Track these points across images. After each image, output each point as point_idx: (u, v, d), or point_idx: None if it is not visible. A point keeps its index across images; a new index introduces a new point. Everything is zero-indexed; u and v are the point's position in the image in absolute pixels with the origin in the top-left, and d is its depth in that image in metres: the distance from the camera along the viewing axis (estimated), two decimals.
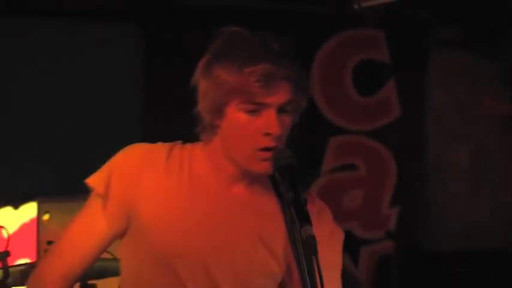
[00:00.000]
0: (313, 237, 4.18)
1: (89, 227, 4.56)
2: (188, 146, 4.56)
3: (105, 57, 8.50)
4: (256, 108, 4.32)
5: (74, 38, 8.77)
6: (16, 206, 8.49)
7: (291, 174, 4.36)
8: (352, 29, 9.46)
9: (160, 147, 4.56)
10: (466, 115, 9.44)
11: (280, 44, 4.46)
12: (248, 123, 4.33)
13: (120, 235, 4.55)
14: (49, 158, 8.43)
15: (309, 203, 4.46)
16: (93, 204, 4.55)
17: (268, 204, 4.60)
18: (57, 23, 8.95)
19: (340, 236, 4.72)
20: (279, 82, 4.39)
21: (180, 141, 4.60)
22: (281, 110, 4.36)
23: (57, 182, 8.28)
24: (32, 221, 8.43)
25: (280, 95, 4.39)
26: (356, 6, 8.93)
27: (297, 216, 4.27)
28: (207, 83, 4.39)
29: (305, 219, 4.22)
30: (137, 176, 4.50)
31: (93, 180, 4.52)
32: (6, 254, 6.62)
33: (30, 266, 7.07)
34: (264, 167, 4.35)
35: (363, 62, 9.46)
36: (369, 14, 9.15)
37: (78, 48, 8.59)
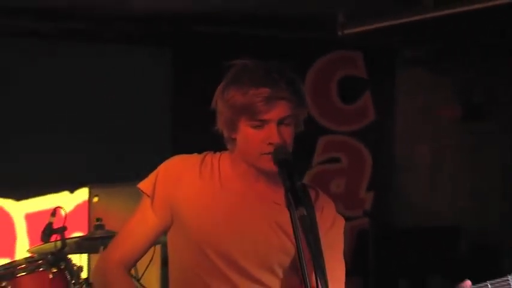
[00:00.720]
0: (305, 216, 4.29)
1: (142, 221, 4.73)
2: (217, 154, 4.69)
3: (141, 75, 8.57)
4: (260, 124, 4.47)
5: (118, 59, 8.77)
6: (72, 191, 8.61)
7: (288, 167, 4.46)
8: (337, 51, 9.58)
9: (195, 156, 4.73)
10: (427, 119, 9.50)
11: (279, 71, 4.58)
12: (254, 136, 4.48)
13: (167, 227, 4.70)
14: (98, 154, 8.52)
15: (314, 198, 4.77)
16: (144, 203, 4.71)
17: (281, 197, 4.52)
18: (102, 47, 8.97)
19: (341, 223, 4.83)
20: (277, 102, 4.51)
21: (211, 151, 4.72)
22: (280, 123, 4.47)
23: (104, 172, 8.37)
24: (84, 202, 8.54)
25: (279, 112, 4.49)
26: (340, 34, 8.96)
27: (293, 200, 4.36)
28: (222, 104, 4.57)
29: (300, 202, 4.32)
30: (177, 180, 4.67)
31: (143, 185, 4.69)
32: (64, 228, 6.75)
33: (82, 238, 7.21)
34: (269, 165, 4.46)
35: (345, 77, 9.62)
36: (349, 40, 9.11)
37: (121, 67, 8.61)
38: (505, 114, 8.99)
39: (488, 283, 4.58)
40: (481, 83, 9.18)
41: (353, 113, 9.67)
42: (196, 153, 4.77)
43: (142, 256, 4.89)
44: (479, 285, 4.56)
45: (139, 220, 4.76)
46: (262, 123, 4.52)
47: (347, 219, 9.48)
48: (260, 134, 4.53)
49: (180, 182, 4.71)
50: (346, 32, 8.94)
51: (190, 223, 4.68)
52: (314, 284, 4.41)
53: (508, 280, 4.57)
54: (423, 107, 9.64)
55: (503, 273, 4.89)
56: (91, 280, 6.03)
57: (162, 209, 4.69)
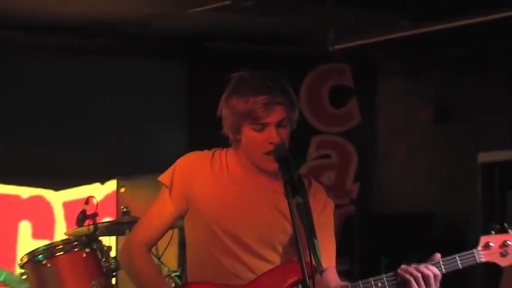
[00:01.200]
0: (301, 204, 4.41)
1: (162, 208, 4.82)
2: (224, 150, 4.79)
3: (161, 85, 8.68)
4: (261, 127, 4.57)
5: (141, 70, 8.85)
6: (102, 182, 8.68)
7: (287, 162, 4.52)
8: (328, 64, 9.63)
9: (206, 152, 4.81)
10: (404, 121, 9.57)
11: (273, 79, 4.67)
12: (257, 137, 4.59)
13: (183, 214, 4.78)
14: (125, 153, 8.60)
15: (307, 185, 4.83)
16: (164, 193, 4.80)
17: (279, 185, 4.66)
18: (127, 61, 9.03)
19: (331, 206, 4.90)
20: (274, 107, 4.61)
21: (219, 147, 4.82)
22: (278, 125, 4.56)
23: (129, 167, 8.45)
24: (112, 192, 8.62)
25: (276, 116, 4.59)
26: (330, 49, 8.96)
27: (290, 191, 4.45)
28: (227, 111, 4.68)
29: (296, 192, 4.44)
30: (191, 173, 4.76)
31: (163, 178, 4.77)
32: (96, 215, 6.86)
33: (111, 223, 7.34)
34: (271, 166, 4.56)
35: (335, 86, 9.67)
36: (338, 54, 9.01)
37: (144, 78, 8.71)
38: (467, 118, 8.98)
39: (456, 256, 4.64)
40: (449, 91, 9.19)
41: (341, 116, 9.71)
42: (206, 150, 4.86)
43: (161, 238, 4.96)
44: (449, 258, 4.63)
45: (159, 208, 4.85)
46: (263, 126, 4.60)
47: (336, 207, 9.49)
48: (262, 136, 4.61)
49: (194, 174, 4.79)
50: (335, 47, 8.95)
51: (204, 209, 4.76)
52: (308, 259, 4.41)
53: (473, 253, 4.61)
54: (401, 112, 9.69)
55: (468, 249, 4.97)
56: (118, 259, 6.03)
57: (179, 198, 4.77)
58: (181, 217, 4.87)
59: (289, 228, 4.75)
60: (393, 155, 9.71)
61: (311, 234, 4.58)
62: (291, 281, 4.76)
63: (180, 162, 4.87)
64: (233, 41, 9.09)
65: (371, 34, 8.84)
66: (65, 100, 8.71)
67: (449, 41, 8.40)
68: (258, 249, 4.83)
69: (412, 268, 4.64)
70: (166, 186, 4.81)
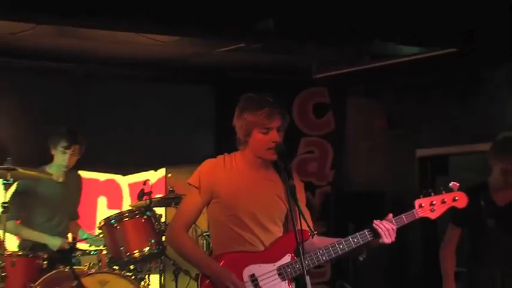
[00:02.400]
0: (294, 186, 4.57)
1: (193, 202, 4.85)
2: (231, 154, 4.87)
3: (196, 103, 8.69)
4: (266, 131, 4.66)
5: (181, 93, 8.91)
6: (156, 169, 8.65)
7: (284, 155, 4.69)
8: (312, 88, 9.52)
9: (219, 158, 4.90)
10: (365, 127, 9.54)
11: (271, 98, 4.77)
12: (263, 138, 4.69)
13: (206, 205, 4.83)
14: (171, 150, 8.61)
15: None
16: (193, 191, 4.83)
17: (275, 176, 4.83)
18: (168, 86, 9.05)
19: (302, 185, 4.96)
20: (274, 116, 4.71)
21: (228, 152, 4.90)
22: (278, 129, 4.68)
23: (175, 159, 8.47)
24: (162, 177, 8.62)
25: (277, 122, 4.70)
26: (314, 76, 9.13)
27: (287, 177, 4.64)
28: (239, 123, 4.80)
29: (290, 177, 4.60)
30: (212, 173, 4.82)
31: (191, 180, 4.82)
32: (151, 192, 6.98)
33: (161, 198, 7.40)
34: (273, 156, 4.68)
35: (317, 103, 9.57)
36: (319, 80, 9.23)
37: (184, 98, 8.70)
38: (409, 125, 8.99)
39: (402, 215, 4.76)
40: (396, 107, 9.18)
41: (321, 124, 9.56)
42: (220, 155, 4.92)
43: (194, 222, 4.99)
44: (397, 217, 4.75)
45: (190, 201, 4.89)
46: (267, 130, 4.69)
47: (317, 187, 9.76)
48: (267, 137, 4.70)
49: (214, 174, 4.82)
50: (317, 76, 9.15)
51: (225, 197, 4.80)
52: (298, 226, 4.50)
53: (413, 212, 4.80)
54: (363, 121, 9.58)
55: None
56: (165, 239, 6.09)
57: (205, 193, 4.81)
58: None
59: (284, 208, 4.81)
60: (357, 151, 9.60)
61: (299, 208, 4.58)
62: (296, 243, 4.61)
63: (203, 168, 4.89)
64: (247, 72, 8.98)
65: (342, 66, 8.88)
66: (129, 113, 8.73)
67: (397, 71, 8.37)
68: (265, 223, 4.81)
69: (382, 223, 4.72)
70: (195, 187, 4.81)
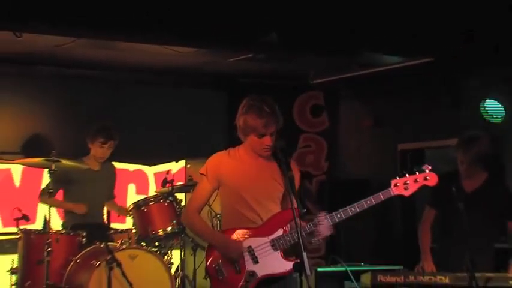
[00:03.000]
0: (293, 177, 4.58)
1: (204, 188, 4.86)
2: (236, 147, 4.87)
3: (211, 105, 8.66)
4: (261, 136, 4.69)
5: (195, 97, 8.87)
6: (177, 161, 8.66)
7: (285, 150, 4.69)
8: (309, 91, 9.45)
9: (224, 152, 4.90)
10: (354, 126, 9.45)
11: (269, 105, 4.72)
12: (258, 141, 4.71)
13: (216, 190, 4.85)
14: (190, 145, 8.56)
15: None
16: (203, 179, 4.85)
17: (272, 165, 4.81)
18: (184, 92, 8.98)
19: (299, 175, 4.89)
20: (271, 125, 4.67)
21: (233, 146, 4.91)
22: (271, 134, 4.66)
23: (193, 152, 8.36)
24: (182, 167, 8.66)
25: (271, 130, 4.67)
26: (311, 82, 9.14)
27: (287, 168, 4.65)
28: (240, 123, 4.77)
29: (290, 169, 4.62)
30: (218, 164, 4.83)
31: (202, 169, 4.84)
32: (173, 180, 7.04)
33: (182, 185, 7.40)
34: (267, 154, 4.72)
35: (314, 104, 9.51)
36: (316, 85, 9.23)
37: (197, 103, 8.68)
38: (392, 124, 8.96)
39: (380, 193, 4.75)
40: (381, 109, 9.12)
41: (317, 122, 9.51)
42: (224, 150, 4.92)
43: (205, 205, 4.98)
44: (375, 195, 4.75)
45: (201, 188, 4.91)
46: (262, 135, 4.68)
47: (314, 175, 9.60)
48: (261, 140, 4.70)
49: (220, 164, 4.84)
50: (314, 82, 9.15)
51: (231, 183, 4.81)
52: (295, 206, 4.50)
53: (389, 190, 4.75)
54: (352, 120, 9.54)
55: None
56: (182, 220, 5.98)
57: (213, 181, 4.82)
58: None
59: (280, 188, 4.79)
60: (348, 146, 9.56)
61: (295, 192, 4.59)
62: (287, 220, 4.72)
63: (210, 159, 4.91)
64: (255, 78, 8.93)
65: (335, 73, 8.87)
66: (154, 114, 8.71)
67: (381, 77, 8.32)
68: (265, 203, 4.81)
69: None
70: (205, 176, 4.83)
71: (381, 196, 4.74)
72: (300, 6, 6.59)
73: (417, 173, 4.81)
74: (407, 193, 4.81)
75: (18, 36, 6.68)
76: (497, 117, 7.30)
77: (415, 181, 4.79)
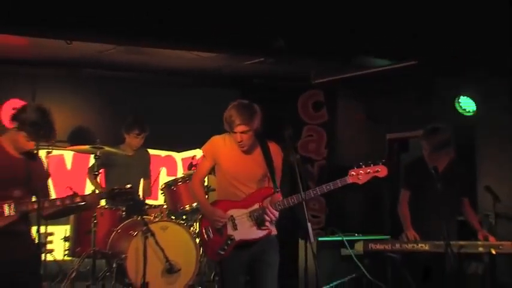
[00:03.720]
0: (299, 159, 4.70)
1: (204, 165, 5.05)
2: (230, 133, 4.91)
3: (227, 103, 8.50)
4: (236, 133, 4.84)
5: (210, 95, 8.59)
6: (200, 148, 8.65)
7: (291, 138, 4.79)
8: (311, 90, 9.33)
9: (222, 135, 5.02)
10: (350, 120, 9.42)
11: (249, 107, 4.89)
12: (235, 136, 4.85)
13: (213, 167, 5.02)
14: (209, 134, 8.63)
15: (272, 146, 5.04)
16: (203, 157, 5.01)
17: (257, 151, 4.98)
18: (202, 90, 8.89)
19: (281, 156, 5.07)
20: (241, 127, 4.83)
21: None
22: (242, 133, 4.83)
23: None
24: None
25: (242, 129, 4.84)
26: (312, 82, 9.06)
27: (294, 151, 4.78)
28: (226, 119, 4.88)
29: (296, 152, 4.77)
30: (215, 146, 4.97)
31: (203, 149, 5.03)
32: (196, 164, 6.89)
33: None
34: (243, 148, 4.89)
35: (315, 101, 9.39)
36: (316, 84, 9.13)
37: (212, 100, 8.30)
38: (380, 117, 8.93)
39: (338, 180, 4.90)
40: (373, 106, 9.10)
41: (318, 116, 9.42)
42: (224, 134, 5.00)
43: (205, 176, 5.24)
44: (334, 181, 4.91)
45: (202, 164, 5.10)
46: (236, 132, 4.82)
47: (316, 161, 9.53)
48: (236, 136, 4.84)
49: (216, 146, 4.98)
50: (315, 81, 9.09)
51: (223, 163, 4.98)
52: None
53: (345, 178, 4.90)
54: (348, 115, 9.47)
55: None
56: (190, 188, 6.13)
57: (210, 159, 4.99)
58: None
59: (260, 172, 4.95)
60: (344, 136, 9.48)
61: (299, 174, 4.69)
62: (263, 196, 4.93)
63: (209, 142, 5.06)
64: (265, 78, 8.86)
65: (333, 74, 8.82)
66: (179, 109, 8.65)
67: (372, 78, 8.27)
68: (246, 182, 4.97)
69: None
70: (204, 155, 5.04)
71: (339, 183, 4.88)
72: (304, 17, 6.59)
73: (372, 165, 4.88)
74: (360, 182, 4.89)
75: (68, 43, 6.77)
76: (469, 111, 7.33)
77: (367, 172, 4.87)
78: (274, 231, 5.02)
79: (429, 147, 5.95)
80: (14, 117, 4.72)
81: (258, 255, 4.92)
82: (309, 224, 4.64)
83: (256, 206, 4.91)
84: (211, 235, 4.97)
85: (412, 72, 7.67)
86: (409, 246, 5.77)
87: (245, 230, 4.90)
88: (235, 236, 4.88)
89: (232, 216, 4.92)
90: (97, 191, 5.73)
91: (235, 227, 4.91)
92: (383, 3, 6.69)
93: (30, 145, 4.67)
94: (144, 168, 7.64)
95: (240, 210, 4.92)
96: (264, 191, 4.94)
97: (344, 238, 6.58)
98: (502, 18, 6.60)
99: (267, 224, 4.91)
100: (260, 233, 4.90)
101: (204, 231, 5.03)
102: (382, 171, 4.86)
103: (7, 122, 4.82)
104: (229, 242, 4.88)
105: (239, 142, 4.88)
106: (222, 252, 4.89)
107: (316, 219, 9.05)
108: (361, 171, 4.88)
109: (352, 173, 4.90)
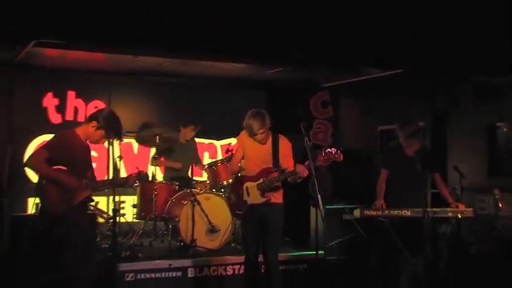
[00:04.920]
0: (313, 147, 4.84)
1: (237, 153, 5.21)
2: None
3: (255, 102, 8.05)
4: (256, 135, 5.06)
5: (245, 96, 8.59)
6: (235, 137, 8.37)
7: (306, 129, 4.87)
8: (320, 92, 9.20)
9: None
10: (350, 116, 9.20)
11: (262, 116, 5.06)
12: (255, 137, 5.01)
13: (243, 154, 5.11)
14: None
15: (280, 139, 5.22)
16: (237, 148, 5.17)
17: (270, 142, 5.12)
18: (233, 91, 8.70)
19: (290, 146, 5.27)
20: (262, 131, 5.04)
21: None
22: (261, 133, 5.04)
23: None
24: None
25: (261, 131, 5.06)
26: (321, 85, 8.98)
27: (308, 140, 4.83)
28: (248, 127, 5.03)
29: (310, 141, 4.86)
30: (243, 139, 5.13)
31: (236, 142, 5.23)
32: (232, 150, 6.93)
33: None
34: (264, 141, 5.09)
35: (323, 100, 9.24)
36: (325, 87, 9.05)
37: (244, 100, 8.30)
38: (374, 112, 8.71)
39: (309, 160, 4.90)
40: (367, 103, 8.86)
41: (325, 112, 9.29)
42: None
43: (240, 161, 5.32)
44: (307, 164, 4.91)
45: (237, 152, 5.27)
46: (256, 135, 5.04)
47: (323, 146, 9.40)
48: (257, 137, 5.06)
49: (244, 139, 5.16)
50: (324, 85, 9.01)
51: (247, 151, 5.16)
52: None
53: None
54: (349, 112, 9.30)
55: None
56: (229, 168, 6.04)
57: (240, 150, 5.16)
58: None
59: (270, 157, 5.11)
60: (345, 127, 9.33)
61: (308, 157, 4.82)
62: (267, 173, 5.11)
63: (240, 136, 5.25)
64: (284, 83, 8.74)
65: (337, 80, 8.72)
66: (220, 107, 8.51)
67: (368, 83, 8.13)
68: (261, 164, 5.16)
69: (300, 166, 5.00)
70: (237, 145, 5.26)
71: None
72: (315, 36, 6.53)
73: (333, 152, 5.02)
74: (325, 164, 5.03)
75: (135, 57, 6.83)
76: None
77: (329, 158, 5.03)
78: (277, 200, 5.15)
79: (403, 135, 5.97)
80: (94, 117, 4.81)
81: (265, 216, 5.11)
82: (318, 196, 4.75)
83: (261, 180, 5.13)
84: (234, 200, 5.28)
85: (399, 78, 7.53)
86: (395, 212, 5.78)
87: (254, 197, 5.13)
88: (248, 201, 5.15)
89: (247, 187, 5.17)
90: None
91: (248, 195, 5.16)
92: (378, 26, 6.60)
93: (103, 141, 4.84)
94: (195, 155, 7.67)
95: (252, 183, 5.16)
96: (266, 169, 5.14)
97: (345, 206, 6.65)
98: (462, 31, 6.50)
99: (267, 193, 5.11)
100: (262, 200, 5.13)
101: (230, 197, 5.38)
102: (339, 157, 5.00)
103: (86, 119, 5.00)
104: (244, 205, 5.14)
105: (260, 139, 5.08)
106: (240, 212, 5.19)
107: (324, 192, 8.89)
108: (325, 157, 5.01)
109: (320, 157, 5.02)
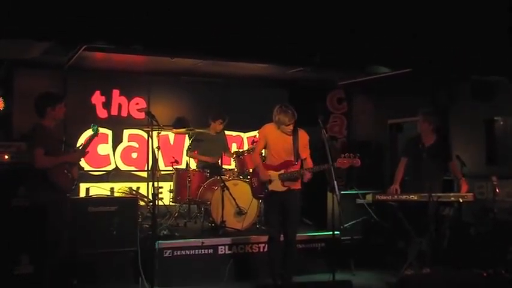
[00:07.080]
0: (330, 139, 4.85)
1: (260, 143, 5.15)
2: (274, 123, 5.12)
3: (277, 99, 7.99)
4: (286, 126, 4.98)
5: (267, 94, 8.52)
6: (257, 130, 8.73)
7: (323, 122, 4.98)
8: (336, 90, 9.16)
9: (270, 124, 5.18)
10: (362, 110, 9.13)
11: (292, 110, 5.04)
12: (286, 128, 5.02)
13: (265, 144, 5.08)
14: (262, 121, 8.47)
15: (300, 132, 5.18)
16: (259, 139, 5.12)
17: (290, 136, 5.09)
18: (257, 90, 8.65)
19: (307, 138, 5.26)
20: (291, 122, 5.04)
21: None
22: (291, 124, 5.03)
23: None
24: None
25: (291, 124, 5.05)
26: (337, 84, 8.90)
27: (325, 132, 4.90)
28: (277, 119, 5.01)
29: (327, 132, 5.00)
30: (267, 131, 5.13)
31: (259, 133, 5.19)
32: (257, 141, 6.73)
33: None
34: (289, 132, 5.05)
35: (338, 97, 9.20)
36: (340, 86, 8.99)
37: (268, 98, 8.27)
38: (384, 107, 8.65)
39: (326, 164, 5.01)
40: (378, 99, 8.84)
41: (340, 107, 9.24)
42: (271, 123, 5.18)
43: (261, 151, 5.33)
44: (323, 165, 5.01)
45: (259, 143, 5.24)
46: (287, 126, 5.02)
47: (339, 138, 9.41)
48: (286, 128, 5.05)
49: (267, 131, 5.15)
50: (339, 84, 8.94)
51: (270, 142, 5.14)
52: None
53: (323, 165, 5.00)
54: (362, 106, 9.24)
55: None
56: (252, 159, 5.83)
57: (262, 140, 5.14)
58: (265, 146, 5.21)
59: (290, 148, 5.10)
60: (358, 121, 9.27)
61: (325, 148, 4.88)
62: (288, 165, 5.12)
63: (263, 128, 5.25)
64: (305, 81, 8.67)
65: (351, 78, 8.62)
66: (246, 103, 8.50)
67: (379, 81, 7.99)
68: (283, 155, 5.18)
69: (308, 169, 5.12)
70: (259, 137, 5.22)
71: (325, 166, 5.03)
72: (332, 41, 6.43)
73: (351, 157, 5.03)
74: (344, 166, 5.05)
75: (171, 59, 6.86)
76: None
77: (348, 161, 5.04)
78: (295, 187, 5.19)
79: (428, 122, 5.89)
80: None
81: (285, 200, 5.17)
82: (335, 182, 4.81)
83: (282, 171, 5.19)
84: (255, 184, 5.34)
85: (407, 77, 7.41)
86: (403, 197, 5.77)
87: (275, 185, 5.20)
88: (270, 187, 5.21)
89: (269, 175, 5.21)
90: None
91: (270, 182, 5.22)
92: (388, 30, 6.46)
93: (61, 116, 4.92)
94: (224, 145, 7.68)
95: (274, 172, 5.20)
96: (288, 162, 5.16)
97: (359, 192, 6.62)
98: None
99: (287, 183, 5.15)
100: (283, 188, 5.19)
101: (251, 181, 5.42)
102: (356, 162, 5.00)
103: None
104: (265, 190, 5.22)
105: (289, 131, 5.08)
106: (261, 195, 5.28)
107: (340, 179, 8.85)
108: (344, 161, 5.03)
109: (339, 160, 5.03)
